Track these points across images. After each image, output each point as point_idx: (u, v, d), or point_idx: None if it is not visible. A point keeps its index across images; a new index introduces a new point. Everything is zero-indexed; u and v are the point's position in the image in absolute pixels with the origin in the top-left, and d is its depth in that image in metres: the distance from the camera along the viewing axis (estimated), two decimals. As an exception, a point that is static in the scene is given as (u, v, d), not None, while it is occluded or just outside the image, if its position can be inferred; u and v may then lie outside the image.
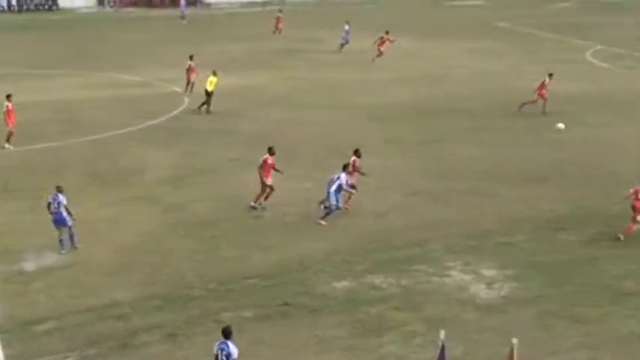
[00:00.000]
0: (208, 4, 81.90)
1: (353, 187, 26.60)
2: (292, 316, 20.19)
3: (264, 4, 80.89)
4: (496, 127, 36.82)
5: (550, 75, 39.56)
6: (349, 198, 26.84)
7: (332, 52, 54.70)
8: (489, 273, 22.50)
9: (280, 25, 61.47)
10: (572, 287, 21.69)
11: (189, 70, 42.27)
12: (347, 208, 26.66)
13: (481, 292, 21.48)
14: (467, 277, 22.27)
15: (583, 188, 28.93)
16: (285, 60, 52.39)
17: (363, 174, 27.30)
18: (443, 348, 14.86)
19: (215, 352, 16.08)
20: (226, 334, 16.16)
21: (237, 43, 58.47)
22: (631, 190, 25.03)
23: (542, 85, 39.11)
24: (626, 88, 44.13)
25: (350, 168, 26.52)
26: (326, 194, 25.90)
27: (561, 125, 35.80)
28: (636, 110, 39.74)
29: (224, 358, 16.01)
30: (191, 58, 42.68)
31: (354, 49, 54.05)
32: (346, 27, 55.33)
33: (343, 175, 25.93)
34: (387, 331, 19.51)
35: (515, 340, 14.59)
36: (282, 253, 23.81)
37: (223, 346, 16.07)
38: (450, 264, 23.01)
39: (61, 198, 23.76)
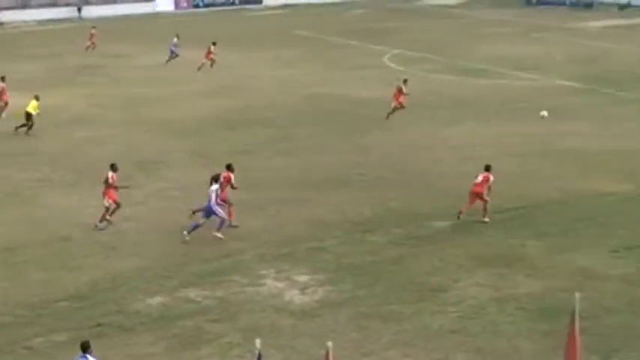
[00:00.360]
0: (1, 23, 79.40)
1: (224, 200, 26.10)
2: (106, 337, 19.84)
3: (63, 21, 79.05)
4: (302, 134, 37.33)
5: (405, 81, 40.20)
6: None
7: (136, 68, 54.03)
8: (302, 279, 22.80)
9: (94, 40, 60.16)
10: (383, 287, 22.26)
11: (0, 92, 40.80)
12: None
13: (295, 298, 21.74)
14: (281, 285, 22.49)
15: (389, 190, 29.72)
16: (87, 77, 51.41)
17: (234, 188, 26.88)
18: (259, 357, 14.94)
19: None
20: (84, 348, 16.07)
21: (36, 61, 56.92)
22: (480, 177, 26.64)
23: (399, 92, 39.54)
24: (423, 90, 45.56)
25: (222, 181, 26.05)
26: (207, 211, 25.36)
27: (545, 112, 36.35)
28: (434, 111, 41.10)
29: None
30: (2, 79, 41.21)
31: (161, 64, 53.61)
32: (174, 40, 54.62)
33: (216, 187, 25.52)
34: (204, 344, 19.47)
35: (330, 344, 14.82)
36: (94, 272, 23.37)
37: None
38: (264, 272, 23.19)
39: None
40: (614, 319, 20.38)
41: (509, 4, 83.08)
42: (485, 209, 26.84)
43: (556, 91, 44.86)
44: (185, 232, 25.39)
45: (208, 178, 25.77)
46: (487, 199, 26.79)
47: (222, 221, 25.55)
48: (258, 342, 15.06)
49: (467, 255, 24.23)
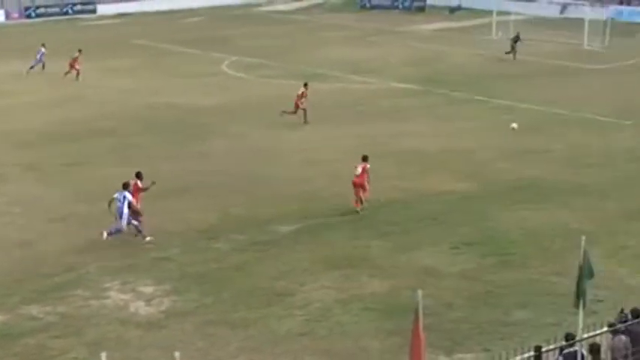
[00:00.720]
0: None
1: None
2: (-56, 360, 19.10)
3: None
4: (142, 144, 36.83)
5: (305, 84, 40.33)
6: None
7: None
8: (147, 289, 22.51)
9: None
10: (229, 294, 22.20)
11: None
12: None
13: (141, 309, 21.45)
14: (125, 297, 22.13)
15: (231, 197, 29.66)
16: None
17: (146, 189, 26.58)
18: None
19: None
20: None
21: None
22: (359, 169, 27.82)
23: (300, 96, 39.66)
24: (264, 96, 45.72)
25: (131, 189, 25.85)
26: (119, 216, 25.31)
27: (515, 125, 36.41)
28: (276, 116, 41.20)
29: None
30: None
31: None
32: (42, 49, 52.96)
33: (127, 194, 25.38)
34: (48, 361, 18.97)
35: (177, 354, 14.60)
36: None
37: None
38: (108, 285, 22.77)
39: None
40: (456, 314, 20.91)
41: (345, 9, 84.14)
42: (362, 200, 28.06)
43: (392, 93, 45.72)
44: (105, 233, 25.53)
45: (43, 193, 25.21)
46: (367, 187, 27.95)
47: (118, 229, 25.46)
48: (103, 356, 14.71)
49: (312, 258, 24.42)
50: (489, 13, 67.29)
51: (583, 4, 65.23)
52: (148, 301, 21.88)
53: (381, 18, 76.16)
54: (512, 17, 65.21)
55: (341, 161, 33.76)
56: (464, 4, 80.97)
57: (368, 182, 28.27)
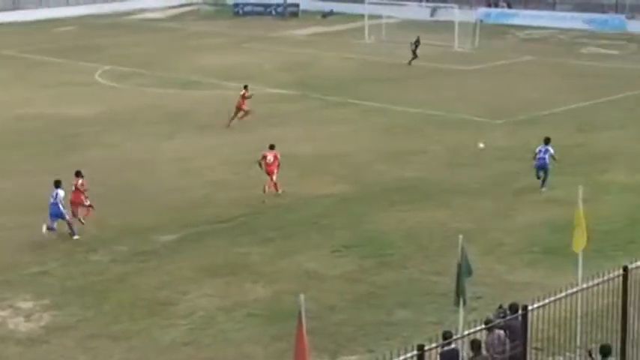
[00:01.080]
0: None
1: (90, 206, 27.33)
2: None
3: None
4: (13, 157, 35.97)
5: (245, 87, 40.69)
6: (87, 213, 27.35)
7: None
8: (27, 305, 22.01)
9: None
10: (110, 306, 21.89)
11: None
12: (82, 222, 27.05)
13: (20, 325, 20.98)
14: (4, 313, 21.61)
15: (109, 207, 29.16)
16: None
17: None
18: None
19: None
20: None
21: None
22: (270, 157, 29.74)
23: (242, 98, 40.16)
24: (138, 105, 45.27)
25: (72, 188, 27.17)
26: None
27: (482, 145, 35.41)
28: (151, 126, 40.82)
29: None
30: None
31: None
32: None
33: (60, 191, 26.51)
34: None
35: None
36: None
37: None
38: (-16, 302, 22.19)
39: None
40: (339, 317, 21.08)
41: (218, 16, 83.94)
42: (275, 186, 29.96)
43: (268, 99, 45.78)
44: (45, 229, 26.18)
45: None
46: (274, 178, 29.94)
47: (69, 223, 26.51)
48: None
49: (193, 267, 24.28)
50: (361, 17, 68.04)
51: (452, 7, 66.53)
52: (28, 316, 21.41)
53: (254, 24, 76.24)
54: (384, 21, 66.11)
55: (218, 169, 33.75)
56: (336, 9, 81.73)
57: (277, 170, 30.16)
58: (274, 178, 30.10)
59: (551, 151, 29.86)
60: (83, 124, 41.16)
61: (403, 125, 40.04)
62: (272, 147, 30.69)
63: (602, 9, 72.11)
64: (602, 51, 60.25)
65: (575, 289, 17.05)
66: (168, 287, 22.98)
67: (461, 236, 16.52)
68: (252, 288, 22.88)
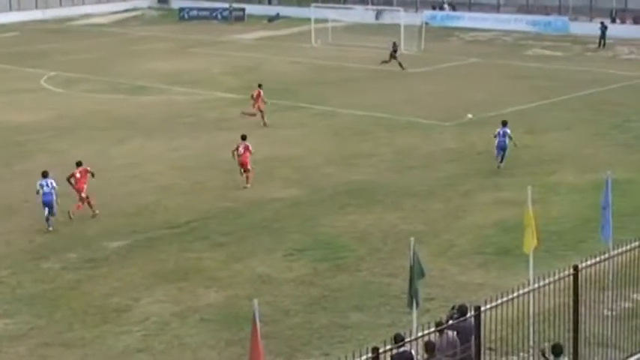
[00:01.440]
0: None
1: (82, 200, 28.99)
2: None
3: None
4: (-41, 164, 35.56)
5: (260, 85, 41.50)
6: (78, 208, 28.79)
7: None
8: (-24, 315, 21.74)
9: None
10: (63, 314, 21.68)
11: None
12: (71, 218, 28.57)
13: (-30, 335, 20.69)
14: (-48, 324, 21.31)
15: (59, 215, 28.78)
16: None
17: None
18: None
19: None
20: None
21: None
22: (241, 149, 31.61)
23: (257, 96, 40.84)
24: (86, 110, 44.94)
25: (78, 175, 28.90)
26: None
27: (470, 115, 38.93)
28: (99, 132, 40.52)
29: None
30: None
31: None
32: None
33: (52, 180, 28.07)
34: None
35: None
36: None
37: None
38: None
39: None
40: (294, 321, 21.07)
41: (163, 20, 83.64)
42: (248, 179, 31.50)
43: (217, 104, 45.68)
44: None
45: None
46: (250, 168, 31.58)
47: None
48: None
49: (145, 273, 24.15)
50: (307, 21, 68.19)
51: (398, 10, 66.91)
52: (-23, 326, 21.15)
53: (200, 29, 76.04)
54: (330, 24, 66.30)
55: (168, 174, 33.60)
56: (282, 13, 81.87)
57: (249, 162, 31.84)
58: (249, 168, 31.67)
59: (509, 132, 32.91)
60: (30, 131, 40.74)
61: (352, 128, 40.17)
62: (244, 138, 32.34)
63: (545, 11, 72.99)
64: (547, 52, 60.98)
65: (526, 290, 17.21)
66: (121, 294, 22.83)
67: (412, 238, 16.62)
68: (205, 293, 22.80)
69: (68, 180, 28.65)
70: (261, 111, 41.10)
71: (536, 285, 17.18)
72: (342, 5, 77.89)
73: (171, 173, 33.84)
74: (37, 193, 27.87)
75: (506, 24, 72.05)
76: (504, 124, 33.18)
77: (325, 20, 67.14)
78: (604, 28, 62.51)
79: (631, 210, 27.53)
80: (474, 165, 33.83)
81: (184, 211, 29.17)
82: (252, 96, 41.49)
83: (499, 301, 16.08)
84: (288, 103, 45.77)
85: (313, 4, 69.40)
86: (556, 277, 17.13)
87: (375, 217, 28.25)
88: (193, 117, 43.07)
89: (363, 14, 76.26)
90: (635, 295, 20.24)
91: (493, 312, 15.93)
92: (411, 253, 16.58)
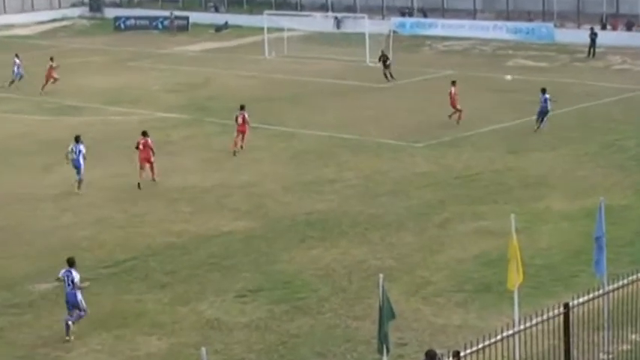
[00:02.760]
0: None
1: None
2: None
3: None
4: None
5: (454, 82, 45.11)
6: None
7: None
8: None
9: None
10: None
11: None
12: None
13: None
14: None
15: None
16: None
17: None
18: None
19: (60, 275, 23.03)
20: (70, 263, 23.15)
21: None
22: (240, 118, 39.25)
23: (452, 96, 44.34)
24: (8, 134, 44.69)
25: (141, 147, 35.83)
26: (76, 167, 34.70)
27: (509, 77, 44.97)
28: (25, 157, 40.27)
29: (70, 282, 22.84)
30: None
31: None
32: (17, 60, 57.31)
33: (82, 146, 34.61)
34: None
35: None
36: None
37: (68, 273, 22.93)
38: None
39: None
40: (248, 371, 20.96)
41: (96, 31, 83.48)
42: (242, 145, 39.26)
43: (158, 124, 45.50)
44: None
45: None
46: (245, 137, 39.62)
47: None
48: None
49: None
50: (260, 30, 68.46)
51: (362, 17, 67.17)
52: None
53: (139, 40, 76.00)
54: (286, 34, 66.49)
55: (102, 206, 33.42)
56: (231, 22, 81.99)
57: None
58: (245, 137, 39.85)
59: (549, 96, 41.83)
60: None
61: (312, 151, 40.19)
62: (242, 107, 40.15)
63: (527, 17, 73.57)
64: (530, 63, 61.47)
65: (511, 331, 17.25)
66: (49, 344, 22.60)
67: (381, 275, 16.61)
68: (147, 341, 22.62)
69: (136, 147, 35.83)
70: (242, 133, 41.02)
71: (522, 326, 17.22)
72: (298, 13, 78.17)
73: (107, 205, 33.62)
74: (66, 156, 35.24)
75: (484, 32, 72.54)
76: (544, 91, 41.99)
77: (280, 29, 67.31)
78: (594, 35, 63.14)
79: (627, 240, 27.71)
80: (450, 191, 33.91)
81: (122, 248, 28.97)
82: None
83: (480, 345, 16.10)
84: (239, 123, 45.71)
85: (266, 12, 69.62)
86: (544, 316, 17.18)
87: (340, 251, 28.20)
88: (132, 140, 42.72)
89: (323, 22, 76.47)
90: (633, 336, 20.32)
91: (474, 358, 15.91)
92: (381, 292, 16.54)
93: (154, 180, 35.78)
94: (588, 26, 65.66)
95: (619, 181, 34.55)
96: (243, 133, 39.99)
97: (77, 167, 35.04)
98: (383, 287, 16.50)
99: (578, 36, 66.42)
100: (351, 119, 46.01)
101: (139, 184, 35.27)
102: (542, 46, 67.55)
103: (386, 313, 16.68)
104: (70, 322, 22.78)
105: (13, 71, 57.71)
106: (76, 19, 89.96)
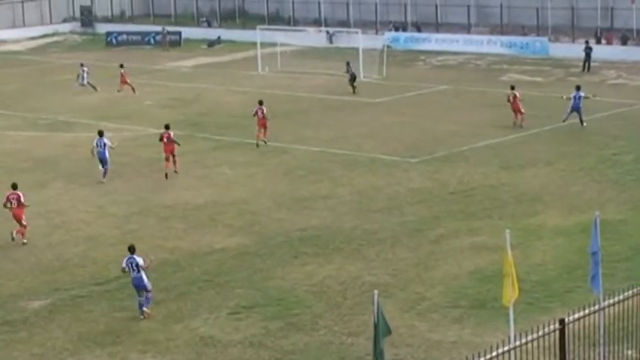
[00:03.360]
0: None
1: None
2: None
3: None
4: None
5: (513, 87, 48.13)
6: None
7: None
8: None
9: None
10: (-26, 387, 21.44)
11: None
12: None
13: None
14: None
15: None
16: None
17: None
18: None
19: (124, 265, 25.01)
20: (132, 250, 25.29)
21: None
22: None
23: (515, 100, 46.77)
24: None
25: (165, 140, 39.51)
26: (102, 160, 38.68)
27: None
28: (15, 175, 40.19)
29: (135, 267, 24.85)
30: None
31: None
32: (85, 69, 60.88)
33: (106, 140, 38.13)
34: None
35: None
36: None
37: (131, 260, 24.91)
38: None
39: None
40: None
41: (88, 47, 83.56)
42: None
43: (151, 141, 45.39)
44: None
45: None
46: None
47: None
48: None
49: (70, 336, 24.02)
50: (253, 45, 68.55)
51: (356, 32, 67.29)
52: None
53: (131, 55, 75.95)
54: (279, 49, 66.61)
55: (95, 223, 33.49)
56: (224, 37, 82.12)
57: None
58: (267, 131, 43.95)
59: (583, 94, 45.50)
60: None
61: (305, 167, 40.28)
62: (261, 102, 44.42)
63: (522, 31, 73.78)
64: (525, 78, 61.59)
65: (506, 348, 17.32)
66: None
67: (376, 291, 16.65)
68: (140, 358, 22.68)
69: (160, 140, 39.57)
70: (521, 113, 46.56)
71: (517, 342, 17.29)
72: (291, 27, 78.34)
73: (99, 222, 33.67)
74: (92, 150, 38.88)
75: (478, 46, 72.79)
76: (578, 88, 45.78)
77: (273, 44, 67.43)
78: (589, 49, 63.31)
79: (622, 255, 27.82)
80: (445, 207, 34.00)
81: (115, 265, 28.93)
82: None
83: (476, 362, 16.15)
84: (233, 139, 45.84)
85: (259, 27, 69.76)
86: (540, 332, 17.25)
87: (334, 267, 28.27)
88: (124, 156, 42.87)
89: (316, 37, 76.72)
90: (629, 352, 20.40)
91: (469, 374, 15.99)
92: (375, 309, 16.60)
93: (175, 172, 39.05)
94: (583, 40, 65.91)
95: (614, 196, 34.67)
96: (264, 126, 43.69)
97: (103, 159, 38.57)
98: (378, 303, 16.55)
99: (572, 50, 66.68)
100: (345, 134, 46.12)
101: (166, 174, 38.85)
102: (536, 60, 67.78)
103: (381, 329, 16.72)
104: (145, 308, 24.96)
105: (83, 77, 60.69)
106: (68, 34, 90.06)
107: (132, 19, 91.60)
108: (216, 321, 24.62)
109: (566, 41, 70.64)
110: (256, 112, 43.92)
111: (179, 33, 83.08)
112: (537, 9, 71.95)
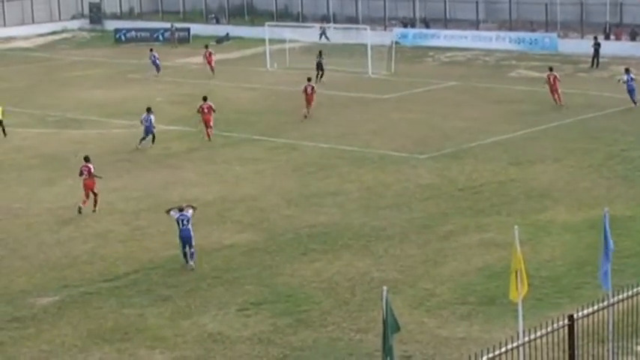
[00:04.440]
0: None
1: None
2: None
3: None
4: None
5: (551, 68, 51.64)
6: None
7: None
8: None
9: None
10: (-17, 383, 21.48)
11: None
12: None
13: None
14: None
15: None
16: None
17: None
18: None
19: (177, 219, 27.97)
20: (181, 209, 28.33)
21: None
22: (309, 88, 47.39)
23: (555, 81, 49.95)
24: (7, 147, 44.78)
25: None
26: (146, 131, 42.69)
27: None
28: (25, 171, 40.36)
29: (186, 222, 27.76)
30: None
31: None
32: (155, 54, 64.85)
33: (152, 116, 43.03)
34: None
35: None
36: None
37: (182, 216, 27.96)
38: None
39: None
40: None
41: (97, 43, 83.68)
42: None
43: (160, 137, 45.52)
44: None
45: None
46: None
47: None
48: None
49: (79, 333, 24.00)
50: (261, 41, 68.47)
51: (365, 28, 67.25)
52: None
53: (140, 52, 75.98)
54: (288, 45, 66.57)
55: (104, 219, 33.49)
56: (232, 33, 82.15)
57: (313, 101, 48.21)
58: (312, 105, 48.78)
59: (633, 75, 48.82)
60: None
61: (314, 163, 40.25)
62: (309, 79, 50.09)
63: (530, 27, 73.71)
64: (533, 74, 61.45)
65: (515, 344, 17.28)
66: (51, 358, 22.63)
67: (385, 288, 16.61)
68: (149, 355, 22.65)
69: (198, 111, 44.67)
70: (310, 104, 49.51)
71: (526, 338, 17.25)
72: (300, 24, 78.33)
73: (108, 218, 33.68)
74: (141, 121, 43.86)
75: (487, 42, 72.71)
76: (627, 70, 49.21)
77: (282, 41, 67.40)
78: (597, 45, 63.18)
79: (632, 251, 27.74)
80: (453, 203, 33.95)
81: (123, 262, 29.02)
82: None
83: (484, 358, 16.12)
84: (242, 135, 45.86)
85: (267, 23, 69.68)
86: (549, 328, 17.21)
87: (343, 264, 28.24)
88: (134, 153, 42.98)
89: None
90: (638, 348, 20.38)
91: (478, 370, 15.96)
92: (384, 305, 16.56)
93: (209, 139, 44.30)
94: (592, 36, 65.75)
95: (623, 192, 34.58)
96: (310, 102, 48.78)
97: (148, 131, 43.54)
98: (387, 299, 16.52)
99: (581, 46, 66.64)
100: (354, 131, 46.08)
101: (209, 137, 44.57)
102: (545, 56, 67.59)
103: (390, 326, 16.69)
104: (191, 262, 27.97)
105: (155, 63, 64.73)
106: (77, 31, 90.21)
107: (140, 16, 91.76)
108: (224, 317, 24.60)
109: (575, 37, 70.55)
110: (305, 89, 49.03)
111: (188, 29, 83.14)
112: (546, 5, 71.83)
